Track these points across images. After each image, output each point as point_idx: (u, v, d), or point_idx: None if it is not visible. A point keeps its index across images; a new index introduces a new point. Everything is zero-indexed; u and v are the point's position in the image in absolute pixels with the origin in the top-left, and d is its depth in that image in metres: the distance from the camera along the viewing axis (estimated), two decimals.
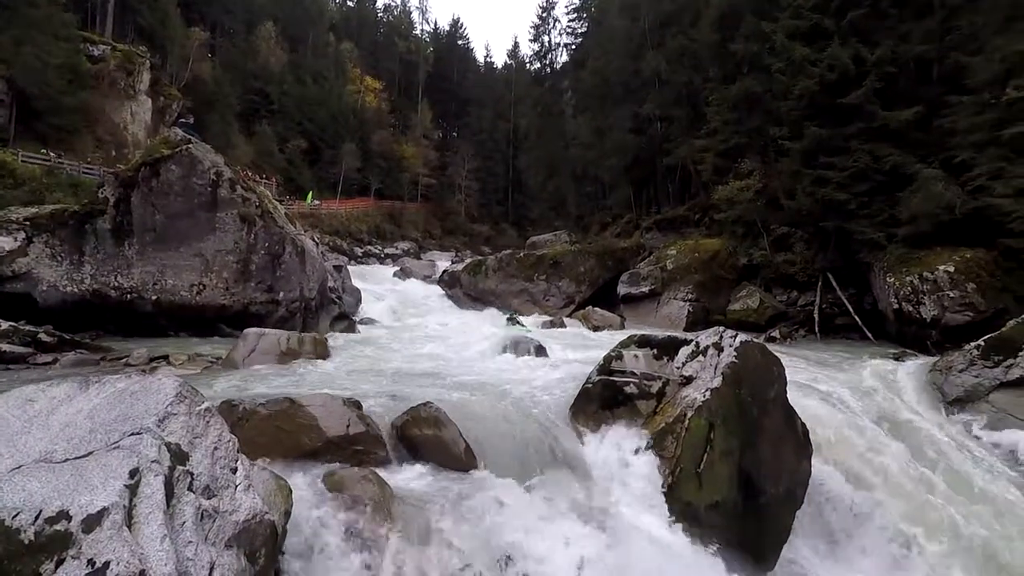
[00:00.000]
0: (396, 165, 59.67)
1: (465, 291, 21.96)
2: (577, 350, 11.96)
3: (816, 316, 15.94)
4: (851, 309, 15.47)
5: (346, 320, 13.65)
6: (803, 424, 6.21)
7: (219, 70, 46.82)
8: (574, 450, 5.70)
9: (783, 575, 5.87)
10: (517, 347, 11.06)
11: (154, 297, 11.26)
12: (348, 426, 4.80)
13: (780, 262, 17.11)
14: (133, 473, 2.64)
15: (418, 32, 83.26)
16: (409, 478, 4.74)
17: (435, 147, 67.71)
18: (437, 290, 22.86)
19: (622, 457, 5.55)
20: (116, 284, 11.09)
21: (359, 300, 17.29)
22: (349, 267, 23.10)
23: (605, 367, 6.33)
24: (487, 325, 15.94)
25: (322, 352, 9.16)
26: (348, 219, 45.59)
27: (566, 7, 48.06)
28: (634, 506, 5.26)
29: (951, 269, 12.54)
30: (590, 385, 6.19)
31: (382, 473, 4.54)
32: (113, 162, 24.95)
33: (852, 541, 6.36)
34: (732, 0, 20.43)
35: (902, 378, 9.69)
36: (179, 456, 2.91)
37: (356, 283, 19.15)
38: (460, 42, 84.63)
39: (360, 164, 53.80)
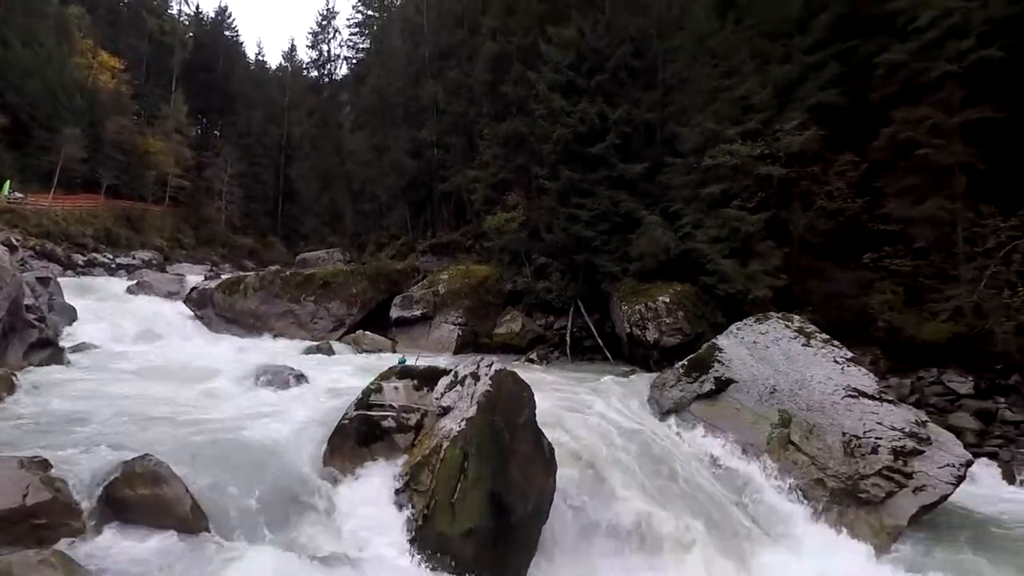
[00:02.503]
0: (138, 160, 51.01)
1: (219, 312, 19.61)
2: (344, 377, 11.47)
3: (568, 339, 17.81)
4: (595, 333, 17.64)
5: (50, 348, 11.05)
6: (549, 443, 6.78)
7: None
8: (326, 494, 5.38)
9: None
10: (274, 378, 10.19)
11: None
12: (25, 495, 3.83)
13: (540, 289, 18.75)
14: None
15: (175, 12, 73.47)
16: (114, 552, 3.95)
17: (191, 144, 59.73)
18: (184, 310, 20.00)
19: (377, 496, 5.42)
20: None
21: (73, 321, 14.27)
22: (63, 279, 19.02)
23: (363, 401, 6.14)
24: (239, 352, 14.39)
25: (6, 391, 7.27)
26: (66, 219, 37.54)
27: (348, 20, 47.14)
28: (388, 546, 5.16)
29: (667, 300, 15.11)
30: (346, 421, 5.94)
31: (75, 551, 3.71)
32: None
33: (594, 540, 7.13)
34: (503, 46, 22.06)
35: (630, 393, 11.27)
36: None
37: (71, 300, 15.81)
38: (228, 33, 76.82)
39: (87, 154, 44.83)
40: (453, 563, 5.04)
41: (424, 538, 5.14)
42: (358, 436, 5.89)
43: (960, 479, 8.30)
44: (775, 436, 8.92)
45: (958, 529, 8.37)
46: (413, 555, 5.02)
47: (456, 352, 17.17)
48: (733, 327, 10.83)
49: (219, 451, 5.50)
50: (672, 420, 9.99)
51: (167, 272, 33.25)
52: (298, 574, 4.11)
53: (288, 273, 21.59)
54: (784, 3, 16.27)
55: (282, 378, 10.27)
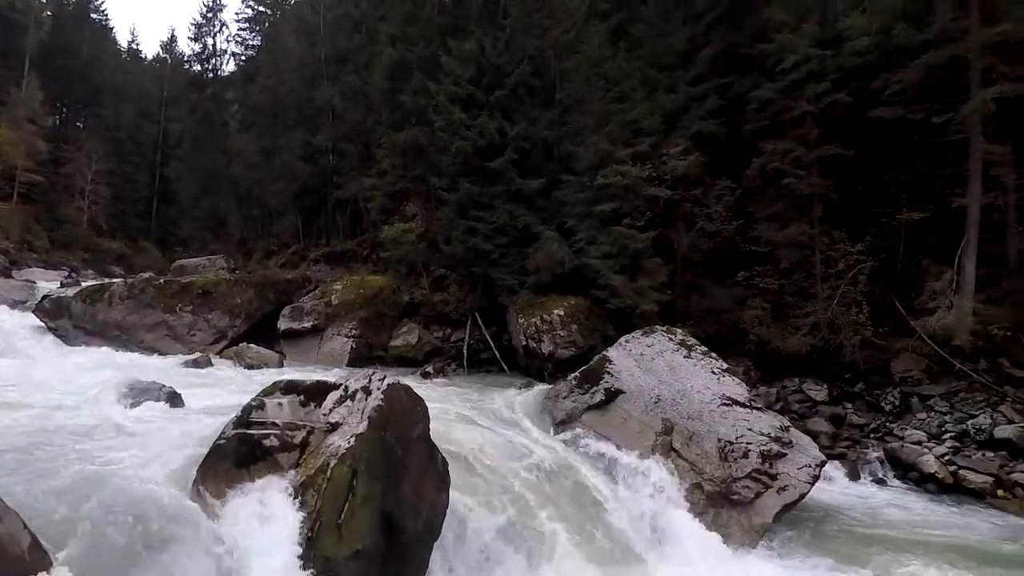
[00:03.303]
0: None
1: (77, 323, 17.56)
2: (225, 395, 10.65)
3: (465, 351, 17.80)
4: (493, 345, 17.79)
5: None
6: (443, 458, 6.67)
7: None
8: (198, 522, 4.90)
9: None
10: (141, 396, 9.22)
11: None
12: None
13: (437, 301, 18.65)
14: None
15: None
16: None
17: (47, 136, 53.24)
18: (34, 321, 17.71)
19: (256, 521, 5.03)
20: None
21: None
22: None
23: (243, 419, 5.70)
24: (100, 368, 12.94)
25: None
26: None
27: (237, 15, 44.53)
28: (268, 574, 4.80)
29: (561, 313, 15.55)
30: (223, 441, 5.48)
31: None
32: None
33: (485, 555, 7.08)
34: (403, 55, 21.85)
35: (525, 404, 11.40)
36: None
37: None
38: (95, 16, 69.68)
39: None
40: None
41: (308, 563, 4.83)
42: (236, 457, 5.45)
43: (816, 478, 9.20)
44: (659, 444, 9.38)
45: (813, 523, 9.30)
46: None
47: (349, 365, 16.60)
48: (622, 340, 11.31)
49: (70, 482, 4.84)
50: (564, 430, 10.21)
51: (13, 278, 29.23)
52: None
53: (162, 280, 19.86)
54: (670, 37, 17.54)
55: (151, 396, 9.30)
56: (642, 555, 7.77)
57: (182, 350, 17.44)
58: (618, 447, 9.51)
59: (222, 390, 11.10)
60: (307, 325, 18.40)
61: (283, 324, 18.63)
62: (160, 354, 16.92)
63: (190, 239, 43.70)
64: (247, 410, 5.81)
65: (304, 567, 4.85)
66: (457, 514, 6.90)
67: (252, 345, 17.46)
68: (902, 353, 13.97)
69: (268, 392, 6.10)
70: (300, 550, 4.96)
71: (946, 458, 11.41)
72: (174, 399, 9.41)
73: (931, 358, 13.58)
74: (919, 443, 11.97)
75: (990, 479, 10.79)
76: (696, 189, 16.40)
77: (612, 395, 10.18)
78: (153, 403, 9.09)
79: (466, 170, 17.94)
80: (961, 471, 11.09)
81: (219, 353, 17.54)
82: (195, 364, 15.07)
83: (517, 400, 11.48)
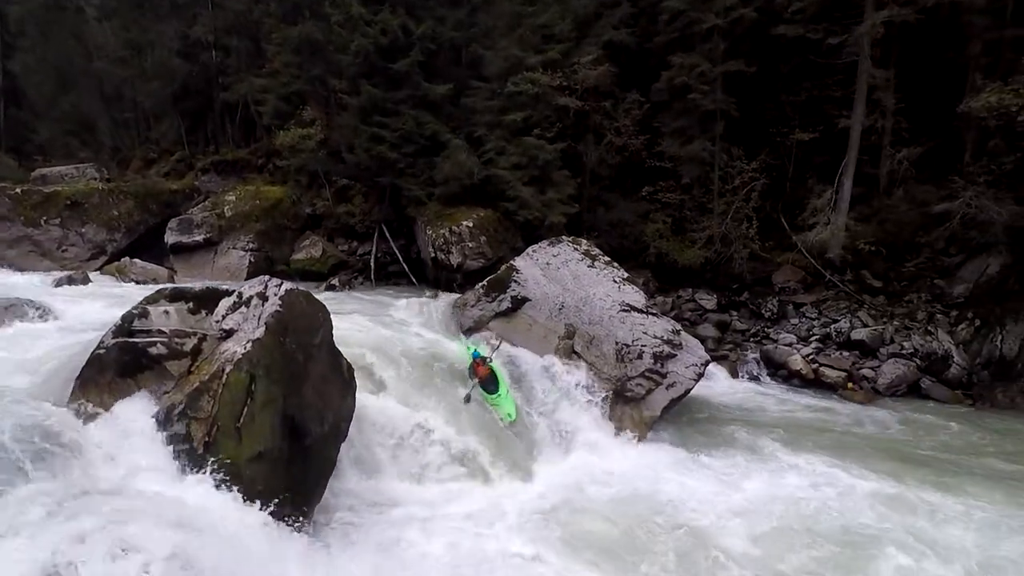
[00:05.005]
0: None
1: None
2: (104, 310, 9.82)
3: (372, 264, 17.40)
4: (400, 257, 17.49)
5: None
6: (348, 364, 6.62)
7: None
8: (79, 433, 4.61)
9: (329, 506, 6.29)
10: (8, 313, 8.37)
11: None
12: None
13: (342, 213, 17.85)
14: None
15: None
16: None
17: None
18: None
19: (146, 429, 4.81)
20: None
21: None
22: None
23: (124, 327, 5.30)
24: None
25: None
26: None
27: None
28: (163, 481, 4.66)
29: (470, 224, 15.43)
30: (102, 351, 5.10)
31: None
32: None
33: (392, 455, 7.27)
34: None
35: (434, 313, 11.44)
36: None
37: None
38: None
39: None
40: (240, 488, 4.75)
41: (207, 466, 4.73)
42: (119, 367, 5.09)
43: (700, 376, 10.07)
44: (561, 347, 9.82)
45: (694, 414, 10.33)
46: (194, 486, 4.61)
47: (248, 280, 15.77)
48: (529, 249, 11.47)
49: None
50: (476, 338, 10.40)
51: None
52: (44, 521, 3.50)
53: (19, 191, 17.54)
54: None
55: (16, 312, 8.49)
56: (541, 453, 8.29)
57: (53, 267, 15.85)
58: (522, 351, 9.83)
59: (102, 305, 10.23)
60: (199, 239, 17.15)
61: (171, 238, 17.25)
62: (26, 272, 15.27)
63: (50, 145, 38.02)
64: (128, 318, 5.40)
65: (202, 472, 4.75)
66: (364, 416, 6.98)
67: (137, 260, 16.13)
68: (783, 266, 15.20)
69: (152, 300, 5.68)
70: (196, 455, 4.83)
71: (810, 357, 12.85)
72: (46, 314, 8.64)
73: (807, 270, 14.88)
74: (790, 345, 13.35)
75: (843, 374, 12.36)
76: (606, 101, 16.31)
77: (519, 303, 10.41)
78: (21, 321, 8.35)
79: (368, 72, 16.68)
80: (821, 368, 12.59)
81: (98, 270, 16.12)
82: (70, 281, 13.71)
83: (425, 309, 11.46)
